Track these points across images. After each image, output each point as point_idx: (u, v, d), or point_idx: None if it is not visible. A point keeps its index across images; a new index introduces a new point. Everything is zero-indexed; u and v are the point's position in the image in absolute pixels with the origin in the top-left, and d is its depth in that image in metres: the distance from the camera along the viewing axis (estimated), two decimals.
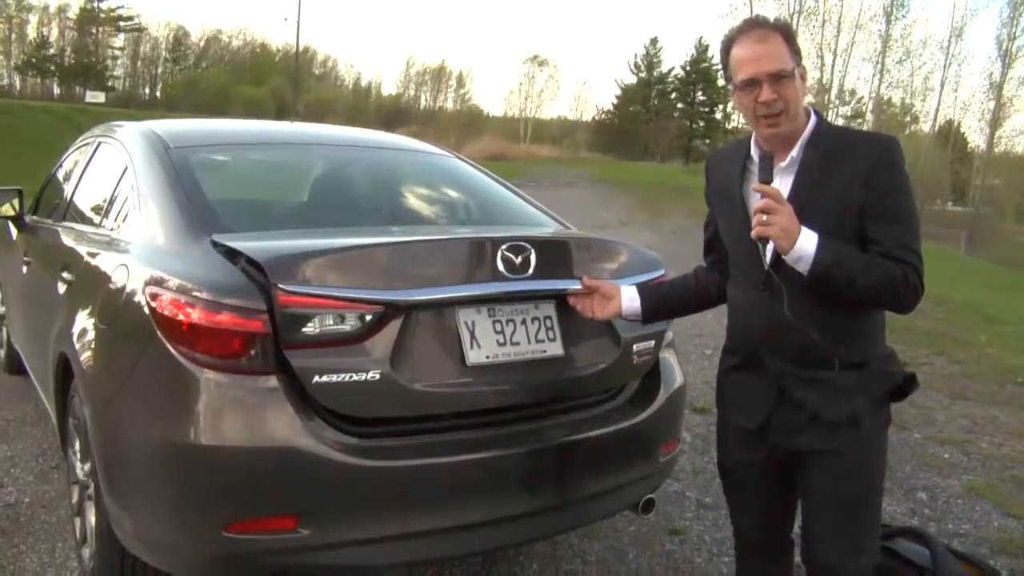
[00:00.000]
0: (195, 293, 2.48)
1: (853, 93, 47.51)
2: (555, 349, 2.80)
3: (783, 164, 2.27)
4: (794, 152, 2.26)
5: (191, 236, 2.81)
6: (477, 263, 2.68)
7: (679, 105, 77.56)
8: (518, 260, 2.69)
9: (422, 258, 2.68)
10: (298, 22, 57.30)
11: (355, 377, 2.45)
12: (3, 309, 5.79)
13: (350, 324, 2.44)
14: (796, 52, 2.23)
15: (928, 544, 2.99)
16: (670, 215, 19.82)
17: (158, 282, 2.60)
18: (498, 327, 2.70)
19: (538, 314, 2.78)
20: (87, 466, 3.04)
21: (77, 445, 3.20)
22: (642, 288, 2.70)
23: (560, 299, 2.79)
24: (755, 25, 2.26)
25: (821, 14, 41.77)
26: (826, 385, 2.27)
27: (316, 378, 2.41)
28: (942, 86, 44.31)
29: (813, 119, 2.28)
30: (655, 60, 77.19)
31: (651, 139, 71.69)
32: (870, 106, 44.62)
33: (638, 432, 2.97)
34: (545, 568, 3.49)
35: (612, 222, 17.58)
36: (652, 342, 3.07)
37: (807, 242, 2.13)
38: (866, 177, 2.17)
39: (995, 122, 43.39)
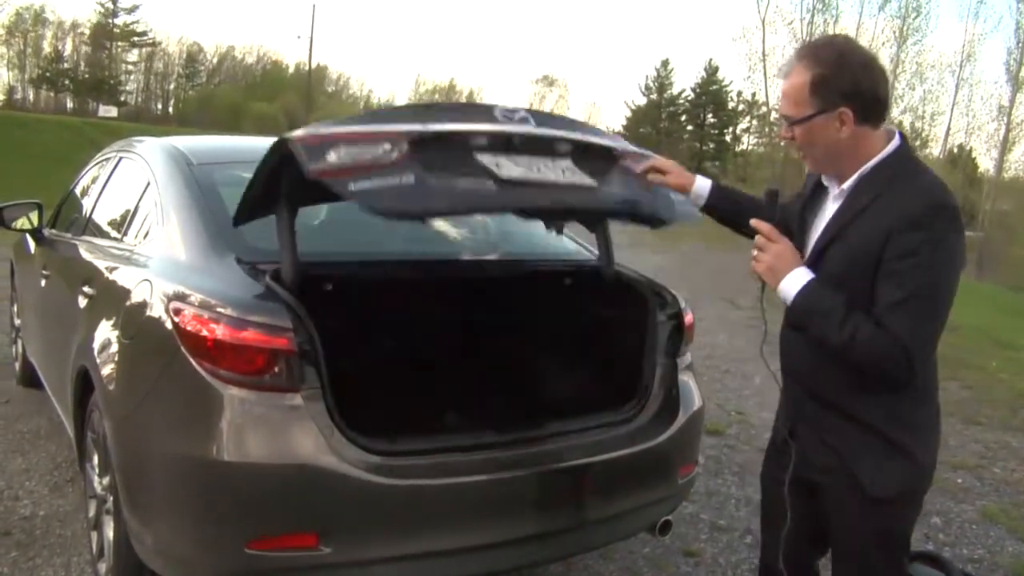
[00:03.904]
0: (219, 309, 2.50)
1: None
2: (585, 180, 2.64)
3: (835, 192, 2.24)
4: (845, 185, 2.20)
5: (215, 252, 2.83)
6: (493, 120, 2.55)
7: (689, 127, 77.52)
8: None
9: (442, 111, 2.56)
10: (311, 40, 57.68)
11: (391, 180, 2.26)
12: (19, 321, 5.81)
13: (381, 149, 2.30)
14: (824, 97, 2.10)
15: (945, 569, 2.96)
16: (681, 238, 19.80)
17: (183, 298, 2.62)
18: (523, 162, 2.53)
19: (560, 164, 2.63)
20: (105, 480, 3.05)
21: (95, 459, 3.20)
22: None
23: (577, 152, 2.66)
24: (794, 55, 2.20)
25: None
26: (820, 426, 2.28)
27: (352, 185, 2.22)
28: (952, 110, 44.40)
29: (888, 149, 2.16)
30: (666, 82, 77.23)
31: None
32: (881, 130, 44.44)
33: (657, 454, 2.98)
34: None
35: (623, 244, 17.55)
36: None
37: (790, 286, 2.15)
38: (888, 233, 2.04)
39: (1004, 147, 43.37)
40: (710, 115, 76.41)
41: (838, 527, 2.35)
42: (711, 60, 75.29)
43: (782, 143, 2.48)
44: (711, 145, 76.67)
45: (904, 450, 2.19)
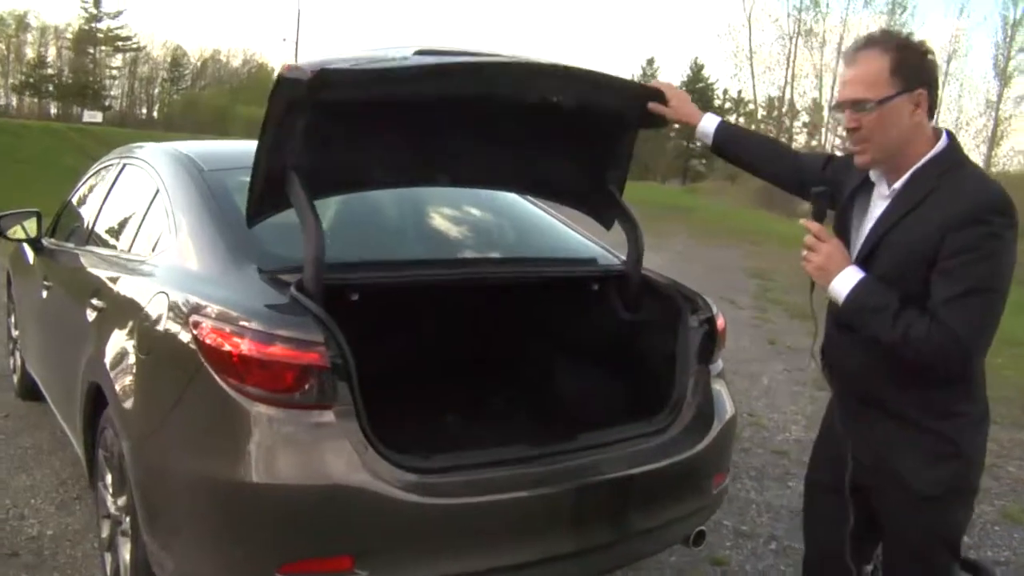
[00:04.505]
0: (244, 323, 2.39)
1: None
2: None
3: (886, 191, 2.20)
4: (898, 184, 2.15)
5: (234, 262, 2.73)
6: None
7: (676, 125, 77.39)
8: None
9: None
10: (296, 43, 57.32)
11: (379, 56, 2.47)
12: (16, 332, 5.67)
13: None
14: (906, 77, 2.07)
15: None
16: (674, 235, 19.76)
17: (204, 310, 2.51)
18: None
19: None
20: (120, 500, 2.95)
21: (108, 478, 3.09)
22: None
23: None
24: (861, 43, 2.15)
25: (821, 34, 41.95)
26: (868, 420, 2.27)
27: (343, 62, 2.39)
28: (940, 104, 44.65)
29: (938, 147, 2.14)
30: (652, 80, 77.34)
31: (649, 159, 71.80)
32: None
33: (693, 465, 2.89)
34: None
35: (620, 244, 17.49)
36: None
37: (841, 285, 2.13)
38: (943, 231, 2.01)
39: (993, 141, 43.71)
40: None
41: (888, 528, 2.32)
42: (696, 58, 75.57)
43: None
44: (698, 143, 76.51)
45: (952, 446, 2.17)
